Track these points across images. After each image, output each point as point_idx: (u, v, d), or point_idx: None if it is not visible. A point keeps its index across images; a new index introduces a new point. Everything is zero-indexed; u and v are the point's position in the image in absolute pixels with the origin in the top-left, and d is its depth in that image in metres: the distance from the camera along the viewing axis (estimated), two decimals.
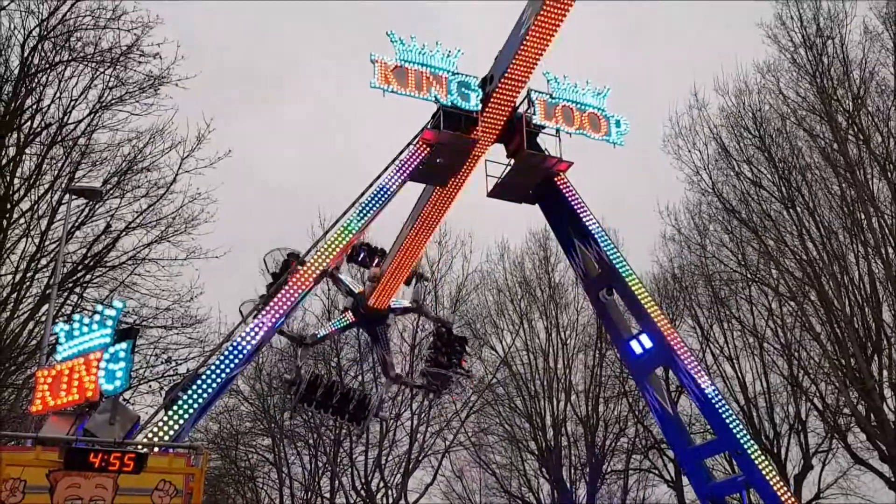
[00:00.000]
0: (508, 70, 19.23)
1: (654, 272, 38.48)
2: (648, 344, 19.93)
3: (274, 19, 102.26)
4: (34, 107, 23.00)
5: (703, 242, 34.21)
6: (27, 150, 22.98)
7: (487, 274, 41.21)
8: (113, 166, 24.54)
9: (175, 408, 15.63)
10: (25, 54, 22.33)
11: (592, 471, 37.34)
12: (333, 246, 18.47)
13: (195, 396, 15.82)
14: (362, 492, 37.33)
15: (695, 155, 32.40)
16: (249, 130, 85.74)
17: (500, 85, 19.64)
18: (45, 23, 22.37)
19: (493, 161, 21.33)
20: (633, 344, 20.34)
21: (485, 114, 20.05)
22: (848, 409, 29.09)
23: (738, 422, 19.38)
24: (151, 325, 25.29)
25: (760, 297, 33.22)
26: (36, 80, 22.82)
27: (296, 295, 17.79)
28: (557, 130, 20.94)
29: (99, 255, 24.49)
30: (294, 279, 17.95)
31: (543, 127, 20.94)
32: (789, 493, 18.69)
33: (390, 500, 37.02)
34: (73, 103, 23.30)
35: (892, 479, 27.29)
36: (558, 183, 21.02)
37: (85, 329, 13.61)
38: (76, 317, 13.96)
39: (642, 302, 19.89)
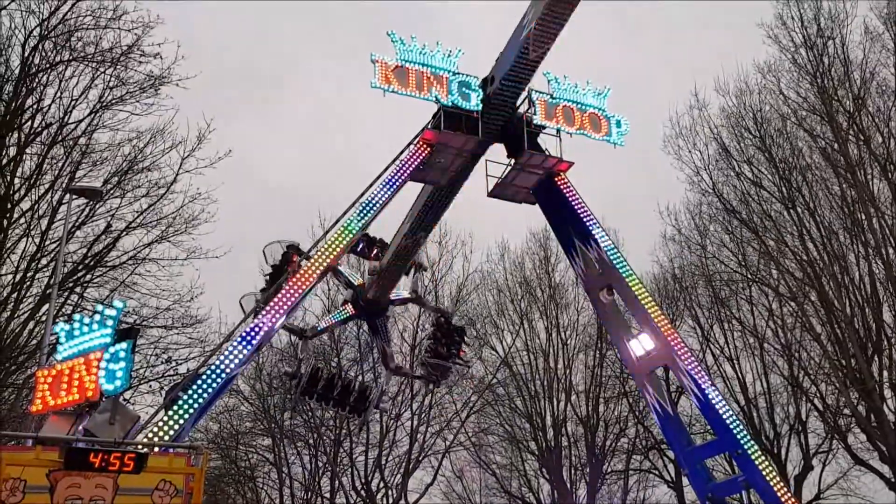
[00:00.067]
0: (509, 72, 19.27)
1: (655, 272, 38.52)
2: (649, 344, 19.95)
3: (274, 19, 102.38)
4: (35, 106, 23.01)
5: (704, 243, 34.22)
6: (28, 150, 23.00)
7: (488, 274, 41.25)
8: (113, 166, 24.57)
9: (175, 408, 15.63)
10: (26, 54, 22.35)
11: (593, 471, 37.33)
12: (334, 246, 18.48)
13: (195, 396, 15.82)
14: (362, 492, 37.33)
15: (695, 155, 32.45)
16: (249, 130, 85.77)
17: (500, 86, 19.66)
18: (46, 22, 22.39)
19: (494, 161, 21.37)
20: (634, 344, 20.36)
21: (485, 114, 20.05)
22: (848, 409, 29.09)
23: (738, 422, 19.39)
24: (152, 325, 25.28)
25: (761, 298, 33.23)
26: (36, 80, 22.83)
27: (296, 295, 17.80)
28: (558, 130, 20.96)
29: (99, 255, 24.49)
30: (294, 279, 17.96)
31: (544, 127, 20.96)
32: (789, 494, 18.70)
33: (390, 501, 37.02)
34: (73, 103, 23.33)
35: (893, 480, 27.29)
36: (559, 183, 21.03)
37: (85, 329, 13.62)
38: (76, 317, 13.98)
39: (642, 302, 19.90)
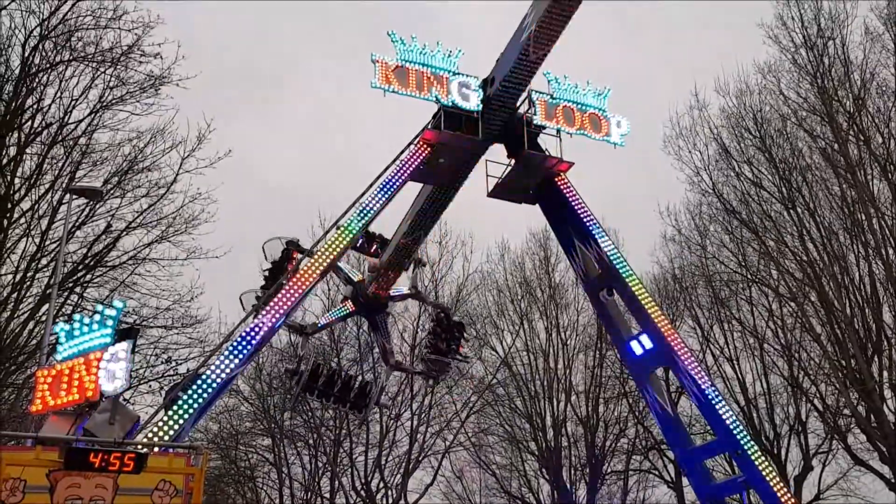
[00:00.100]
0: (509, 74, 19.29)
1: (655, 273, 38.54)
2: (649, 344, 19.95)
3: (274, 19, 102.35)
4: (35, 106, 23.01)
5: (704, 243, 34.21)
6: (28, 150, 23.00)
7: (488, 274, 41.25)
8: (113, 166, 24.58)
9: (175, 408, 15.64)
10: (26, 54, 22.35)
11: (592, 471, 37.33)
12: (334, 246, 18.49)
13: (195, 396, 15.83)
14: (362, 492, 37.32)
15: (695, 155, 32.45)
16: (249, 130, 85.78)
17: (500, 88, 19.68)
18: (46, 22, 22.39)
19: (494, 161, 21.39)
20: (634, 344, 20.36)
21: (486, 115, 20.06)
22: (848, 409, 29.08)
23: (738, 422, 19.40)
24: (151, 325, 25.29)
25: (761, 298, 33.22)
26: (37, 80, 22.83)
27: (296, 295, 17.80)
28: (558, 131, 20.98)
29: (99, 255, 24.49)
30: (294, 279, 17.96)
31: (544, 127, 20.98)
32: (789, 494, 18.71)
33: (390, 501, 37.01)
34: (73, 103, 23.34)
35: (893, 481, 27.29)
36: (559, 183, 21.04)
37: (85, 329, 13.62)
38: (76, 317, 13.98)
39: (642, 302, 19.90)
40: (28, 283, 23.31)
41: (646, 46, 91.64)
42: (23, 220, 23.35)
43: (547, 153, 21.01)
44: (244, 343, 16.79)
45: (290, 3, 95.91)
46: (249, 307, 20.58)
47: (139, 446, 13.29)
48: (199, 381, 16.07)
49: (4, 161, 22.36)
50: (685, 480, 33.79)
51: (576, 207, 20.89)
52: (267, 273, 22.06)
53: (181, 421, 15.49)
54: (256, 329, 17.05)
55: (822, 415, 31.12)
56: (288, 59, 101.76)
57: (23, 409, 21.88)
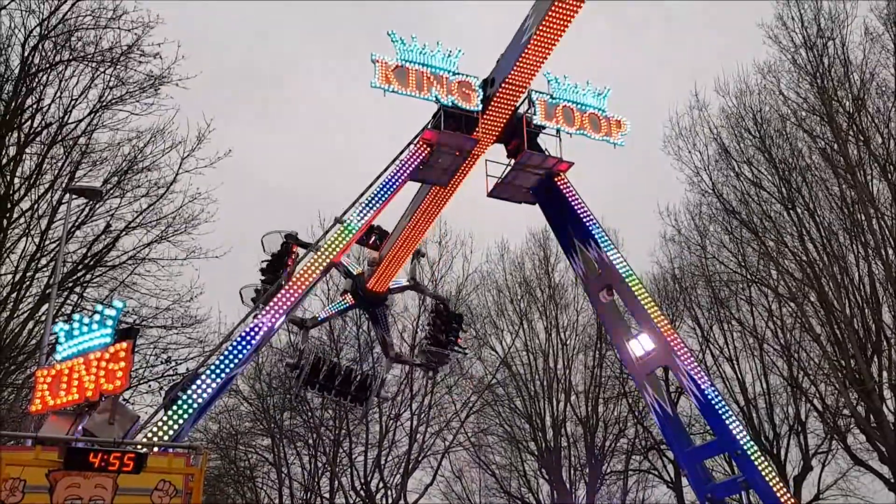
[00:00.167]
0: (510, 76, 19.30)
1: (654, 273, 38.53)
2: (648, 344, 19.95)
3: (274, 19, 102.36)
4: (34, 106, 23.02)
5: (704, 243, 34.20)
6: (27, 150, 23.01)
7: (487, 274, 41.27)
8: (113, 166, 24.60)
9: (175, 408, 15.63)
10: (26, 53, 22.35)
11: (592, 471, 37.33)
12: (334, 246, 18.49)
13: (195, 396, 15.82)
14: (362, 492, 37.32)
15: (695, 156, 32.43)
16: (249, 130, 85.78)
17: (500, 89, 19.71)
18: (46, 22, 22.40)
19: (494, 161, 21.39)
20: (633, 344, 20.35)
21: (485, 115, 20.08)
22: (847, 410, 29.08)
23: (737, 423, 19.38)
24: (151, 324, 25.31)
25: (760, 298, 33.23)
26: (36, 80, 22.84)
27: (296, 295, 17.80)
28: (558, 131, 20.98)
29: (99, 255, 24.50)
30: (294, 279, 17.96)
31: (544, 127, 20.98)
32: (789, 494, 18.70)
33: (390, 501, 37.01)
34: (73, 103, 23.35)
35: (892, 481, 27.28)
36: (558, 183, 21.04)
37: (85, 329, 13.64)
38: (76, 316, 14.00)
39: (642, 302, 19.90)
40: (28, 282, 23.33)
41: (646, 46, 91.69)
42: (22, 219, 23.36)
43: (547, 153, 21.02)
44: (244, 343, 16.79)
45: (290, 3, 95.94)
46: (248, 300, 20.54)
47: (139, 446, 13.30)
48: (198, 381, 16.06)
49: (4, 161, 22.36)
50: (685, 480, 33.81)
51: (575, 207, 20.89)
52: (265, 266, 21.76)
53: (181, 421, 15.48)
54: (256, 329, 17.05)
55: (822, 415, 31.12)
56: (288, 59, 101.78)
57: (22, 408, 21.89)
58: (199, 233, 25.49)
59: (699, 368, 19.84)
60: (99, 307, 13.99)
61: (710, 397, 19.13)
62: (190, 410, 15.67)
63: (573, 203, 20.92)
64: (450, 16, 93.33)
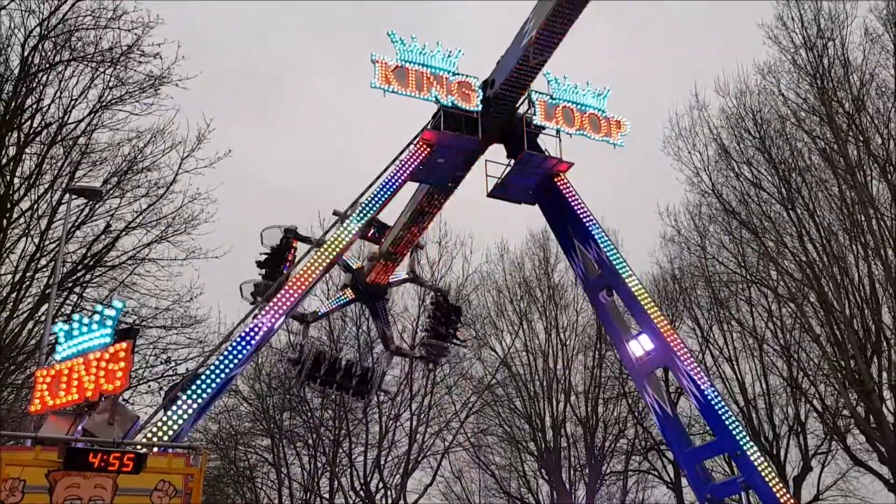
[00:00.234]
0: (509, 78, 19.30)
1: (654, 273, 38.53)
2: (648, 345, 19.94)
3: (274, 19, 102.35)
4: (34, 106, 23.02)
5: (703, 244, 34.20)
6: (27, 150, 23.01)
7: (487, 275, 41.26)
8: (113, 166, 24.61)
9: (174, 408, 15.63)
10: (26, 54, 22.35)
11: (592, 472, 37.32)
12: (334, 246, 18.51)
13: (194, 396, 15.82)
14: (361, 492, 37.32)
15: (695, 156, 32.42)
16: (249, 130, 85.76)
17: (500, 91, 19.70)
18: (46, 22, 22.40)
19: (493, 161, 21.39)
20: (633, 345, 20.35)
21: (485, 116, 20.08)
22: (847, 410, 29.08)
23: (737, 423, 19.38)
24: (151, 325, 25.32)
25: (760, 299, 33.23)
26: (36, 80, 22.84)
27: (295, 295, 17.80)
28: (558, 131, 20.99)
29: (99, 255, 24.50)
30: (294, 279, 17.96)
31: (544, 127, 20.99)
32: (788, 495, 18.70)
33: (389, 501, 37.00)
34: (73, 103, 23.36)
35: (892, 481, 27.28)
36: (558, 183, 21.04)
37: (84, 329, 13.63)
38: (76, 317, 13.99)
39: (642, 303, 19.89)
40: (27, 282, 23.33)
41: (646, 46, 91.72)
42: (22, 219, 23.37)
43: (546, 153, 21.02)
44: (243, 343, 16.79)
45: (290, 3, 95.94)
46: (248, 295, 20.46)
47: (138, 446, 13.30)
48: (198, 382, 16.06)
49: (4, 161, 22.36)
50: (684, 481, 33.81)
51: (575, 208, 20.89)
52: (264, 259, 21.48)
53: (180, 421, 15.48)
54: (256, 329, 17.05)
55: (822, 415, 31.13)
56: (288, 59, 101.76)
57: (22, 408, 21.88)
58: (199, 233, 25.55)
59: (699, 369, 19.83)
60: (98, 307, 13.99)
61: (709, 398, 19.12)
62: (190, 411, 15.67)
63: (573, 203, 20.92)
64: (450, 16, 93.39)
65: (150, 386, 25.02)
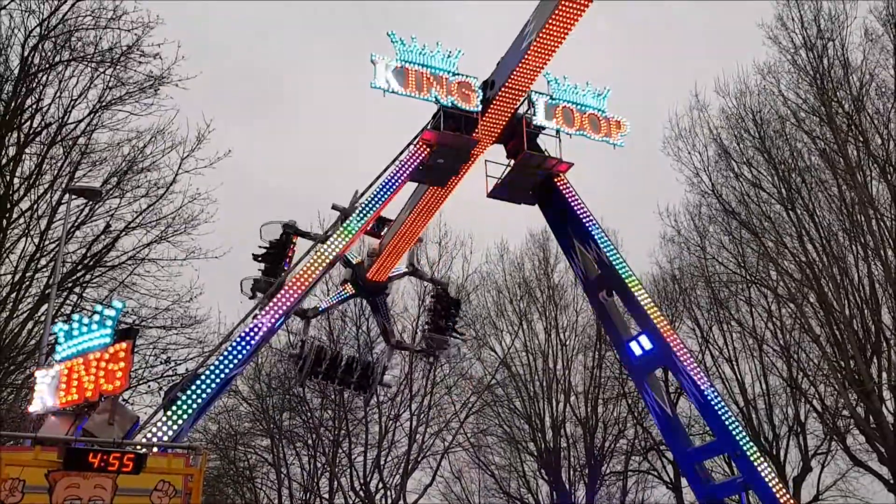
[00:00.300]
0: (509, 80, 19.32)
1: (654, 273, 38.54)
2: (648, 345, 19.93)
3: (274, 19, 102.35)
4: (34, 106, 23.04)
5: (703, 244, 34.22)
6: (27, 150, 23.02)
7: (487, 275, 41.27)
8: (113, 166, 24.64)
9: (174, 408, 15.63)
10: (26, 54, 22.36)
11: (591, 472, 37.33)
12: (334, 246, 18.50)
13: (194, 397, 15.82)
14: (361, 492, 37.33)
15: (695, 157, 32.43)
16: (249, 131, 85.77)
17: (500, 92, 19.72)
18: (46, 22, 22.40)
19: (493, 161, 21.39)
20: (633, 345, 20.33)
21: (485, 117, 20.09)
22: (847, 411, 29.09)
23: (737, 423, 19.38)
24: (151, 325, 25.34)
25: (760, 299, 33.24)
26: (36, 80, 22.84)
27: (295, 296, 17.80)
28: (557, 131, 20.98)
29: (98, 255, 24.52)
30: (293, 279, 17.96)
31: (543, 128, 20.99)
32: (788, 495, 18.71)
33: (389, 501, 37.01)
34: (73, 103, 23.37)
35: (892, 482, 27.28)
36: (558, 184, 21.04)
37: (84, 329, 13.63)
38: (75, 317, 14.01)
39: (642, 303, 19.89)
40: (27, 282, 23.35)
41: (646, 47, 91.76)
42: (22, 220, 23.38)
43: (546, 154, 21.02)
44: (243, 343, 16.79)
45: (290, 3, 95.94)
46: (248, 290, 20.41)
47: (138, 447, 13.30)
48: (198, 382, 16.06)
49: (4, 161, 22.37)
50: (684, 481, 33.80)
51: (575, 208, 20.88)
52: (263, 254, 21.20)
53: (180, 421, 15.47)
54: (256, 329, 17.05)
55: (821, 416, 31.14)
56: (288, 59, 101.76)
57: (22, 409, 21.87)
58: (199, 233, 25.58)
59: (699, 369, 19.83)
60: (98, 307, 13.99)
61: (709, 398, 19.12)
62: (189, 411, 15.67)
63: (573, 203, 20.92)
64: (450, 16, 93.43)
65: (149, 386, 25.07)
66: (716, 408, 19.06)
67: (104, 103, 23.58)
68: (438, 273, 38.08)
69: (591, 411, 37.99)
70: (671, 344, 19.52)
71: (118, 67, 23.35)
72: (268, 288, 19.10)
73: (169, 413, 15.56)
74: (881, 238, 27.41)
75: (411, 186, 21.84)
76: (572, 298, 40.19)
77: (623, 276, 20.19)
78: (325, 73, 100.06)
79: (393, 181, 19.39)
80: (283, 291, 17.72)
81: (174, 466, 12.39)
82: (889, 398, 27.59)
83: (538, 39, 18.16)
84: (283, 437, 38.86)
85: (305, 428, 38.46)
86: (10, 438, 17.49)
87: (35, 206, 23.46)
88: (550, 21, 17.81)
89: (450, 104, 19.80)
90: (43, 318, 22.10)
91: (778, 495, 18.19)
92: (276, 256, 20.47)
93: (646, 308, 19.83)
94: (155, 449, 14.17)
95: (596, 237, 20.61)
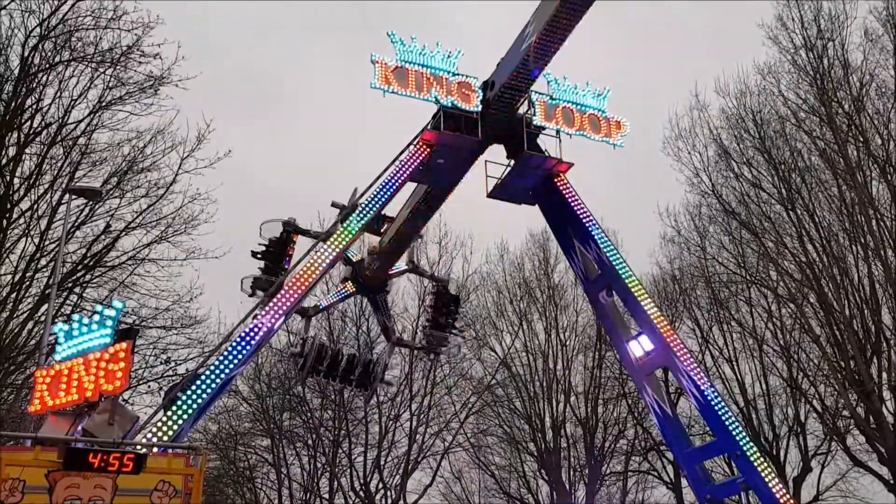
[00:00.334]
0: (509, 81, 19.32)
1: (654, 274, 38.52)
2: (648, 345, 19.95)
3: (274, 19, 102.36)
4: (34, 106, 23.02)
5: (703, 244, 34.22)
6: (27, 150, 23.01)
7: (487, 275, 41.26)
8: (113, 166, 24.63)
9: (174, 408, 15.63)
10: (26, 54, 22.35)
11: (592, 472, 37.32)
12: (334, 246, 18.50)
13: (194, 397, 15.83)
14: (361, 493, 37.32)
15: (695, 157, 32.43)
16: (249, 130, 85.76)
17: (500, 93, 19.72)
18: (46, 22, 22.39)
19: (493, 162, 21.40)
20: (633, 345, 20.35)
21: (485, 117, 20.09)
22: (847, 411, 29.09)
23: (737, 424, 19.39)
24: (151, 325, 25.34)
25: (760, 299, 33.23)
26: (36, 80, 22.84)
27: (295, 296, 17.80)
28: (558, 131, 21.00)
29: (98, 255, 24.51)
30: (293, 280, 17.96)
31: (544, 128, 21.00)
32: (788, 495, 18.71)
33: (389, 502, 37.01)
34: (73, 103, 23.35)
35: (891, 482, 27.28)
36: (558, 184, 21.05)
37: (84, 329, 13.62)
38: (75, 317, 13.99)
39: (642, 303, 19.90)
40: (27, 283, 23.34)
41: (646, 47, 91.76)
42: (22, 220, 23.37)
43: (546, 154, 21.03)
44: (243, 343, 16.79)
45: (290, 3, 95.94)
46: (247, 288, 20.40)
47: (138, 447, 13.29)
48: (198, 382, 16.06)
49: (4, 161, 22.36)
50: (684, 481, 33.80)
51: (575, 208, 20.89)
52: (263, 251, 20.88)
53: (180, 421, 15.48)
54: (256, 329, 17.05)
55: (821, 416, 31.14)
56: (288, 59, 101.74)
57: (22, 409, 21.88)
58: (199, 233, 25.56)
59: (699, 369, 19.84)
60: (98, 307, 13.98)
61: (709, 398, 19.13)
62: (189, 411, 15.68)
63: (573, 204, 20.92)
64: (450, 16, 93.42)
65: (149, 386, 25.07)
66: (716, 408, 19.07)
67: (104, 103, 23.59)
68: (438, 273, 38.12)
69: (591, 411, 37.99)
70: (671, 344, 19.53)
71: (118, 68, 23.36)
72: (267, 286, 19.12)
73: (169, 413, 15.57)
74: (881, 238, 27.41)
75: (411, 185, 21.86)
76: (572, 299, 40.21)
77: (623, 276, 20.20)
78: (325, 73, 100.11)
79: (393, 181, 19.41)
80: (283, 292, 17.72)
81: (174, 466, 12.39)
82: (889, 398, 27.60)
83: (538, 42, 18.15)
84: (283, 438, 38.86)
85: (305, 428, 38.46)
86: (10, 438, 17.49)
87: (35, 207, 23.47)
88: (550, 23, 17.80)
89: (450, 104, 19.82)
90: (43, 318, 22.09)
91: (778, 495, 18.20)
92: (275, 254, 20.43)
93: (646, 308, 19.84)
94: (155, 449, 14.18)
95: (596, 237, 20.61)
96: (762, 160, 30.71)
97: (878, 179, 28.30)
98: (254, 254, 20.46)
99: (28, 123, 22.99)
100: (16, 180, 22.85)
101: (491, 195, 21.54)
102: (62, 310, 23.55)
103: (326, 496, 38.09)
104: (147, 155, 24.82)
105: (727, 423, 18.97)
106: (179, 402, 15.70)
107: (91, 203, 23.55)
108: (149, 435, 15.04)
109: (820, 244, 28.81)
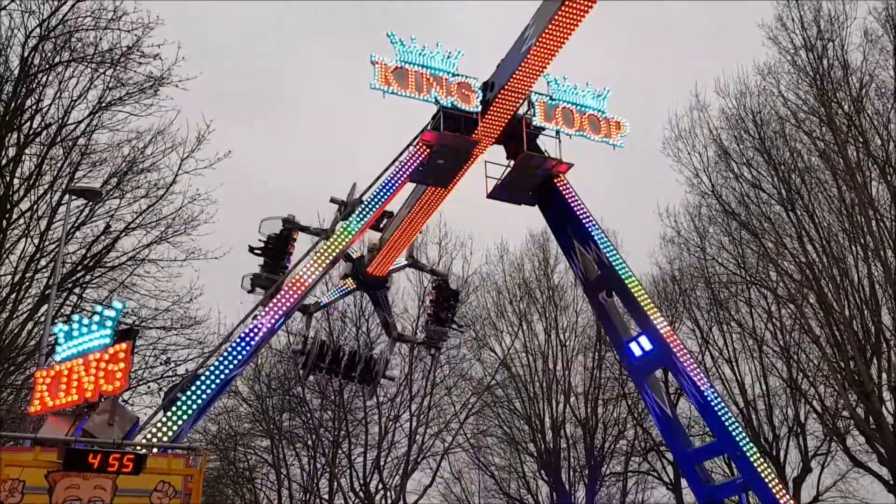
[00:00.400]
0: (509, 83, 19.33)
1: (654, 274, 38.55)
2: (648, 346, 19.92)
3: (274, 19, 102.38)
4: (34, 107, 23.03)
5: (703, 245, 34.23)
6: (27, 151, 23.03)
7: (487, 276, 41.27)
8: (113, 167, 24.64)
9: (174, 409, 15.62)
10: (26, 54, 22.36)
11: (591, 473, 37.33)
12: (334, 247, 18.50)
13: (194, 397, 15.81)
14: (361, 493, 37.33)
15: (695, 157, 32.46)
16: (249, 131, 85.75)
17: (500, 94, 19.73)
18: (46, 23, 22.40)
19: (493, 162, 21.38)
20: (633, 346, 20.32)
21: (485, 118, 20.09)
22: (847, 411, 29.09)
23: (736, 424, 19.37)
24: (150, 326, 25.35)
25: (760, 300, 33.24)
26: (36, 81, 22.85)
27: (295, 296, 17.80)
28: (557, 132, 20.97)
29: (98, 256, 24.52)
30: (293, 280, 17.96)
31: (543, 128, 20.99)
32: (788, 496, 18.70)
33: (389, 502, 37.02)
34: (72, 104, 23.36)
35: (891, 482, 27.28)
36: (558, 184, 21.03)
37: (84, 330, 13.62)
38: (75, 317, 13.99)
39: (642, 304, 19.88)
40: (27, 283, 23.35)
41: (646, 47, 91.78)
42: (22, 220, 23.38)
43: (546, 154, 21.02)
44: (243, 344, 16.78)
45: (290, 4, 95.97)
46: (247, 284, 20.33)
47: (138, 447, 13.30)
48: (198, 382, 16.05)
49: (4, 161, 22.37)
50: (684, 482, 33.79)
51: (575, 209, 20.88)
52: (262, 248, 20.45)
53: (180, 422, 15.46)
54: (255, 330, 17.04)
55: (821, 417, 31.14)
56: (288, 59, 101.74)
57: (21, 409, 21.88)
58: (199, 234, 25.60)
59: (698, 370, 19.83)
60: (98, 308, 13.98)
61: (709, 399, 19.12)
62: (189, 411, 15.66)
63: (573, 204, 20.91)
64: (450, 16, 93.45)
65: (149, 387, 25.09)
66: (716, 408, 19.06)
67: (104, 104, 23.60)
68: None
69: (590, 412, 37.99)
70: (671, 345, 19.51)
71: (118, 68, 23.38)
72: (267, 283, 19.08)
73: (169, 414, 15.55)
74: (881, 239, 27.42)
75: (411, 185, 21.86)
76: (572, 299, 40.22)
77: (623, 276, 20.18)
78: (325, 73, 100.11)
79: (393, 182, 19.39)
80: (282, 292, 17.71)
81: (174, 467, 12.40)
82: (889, 399, 27.61)
83: (538, 43, 18.15)
84: (283, 438, 38.86)
85: (305, 429, 38.46)
86: (10, 439, 17.50)
87: (35, 207, 23.48)
88: (550, 25, 17.79)
89: (450, 105, 19.79)
90: (43, 319, 22.10)
91: (778, 496, 18.19)
92: (275, 251, 20.33)
93: (646, 309, 19.82)
94: (155, 450, 14.17)
95: (596, 238, 20.60)
96: (762, 161, 30.72)
97: (878, 180, 28.31)
98: (251, 249, 20.24)
99: (28, 124, 23.01)
100: (16, 181, 22.87)
101: (491, 195, 21.52)
102: (62, 310, 23.57)
103: (326, 497, 38.10)
104: (147, 155, 24.87)
105: (727, 423, 18.96)
106: (179, 403, 15.69)
107: (91, 203, 23.56)
108: (148, 435, 15.03)
109: (820, 245, 28.82)
